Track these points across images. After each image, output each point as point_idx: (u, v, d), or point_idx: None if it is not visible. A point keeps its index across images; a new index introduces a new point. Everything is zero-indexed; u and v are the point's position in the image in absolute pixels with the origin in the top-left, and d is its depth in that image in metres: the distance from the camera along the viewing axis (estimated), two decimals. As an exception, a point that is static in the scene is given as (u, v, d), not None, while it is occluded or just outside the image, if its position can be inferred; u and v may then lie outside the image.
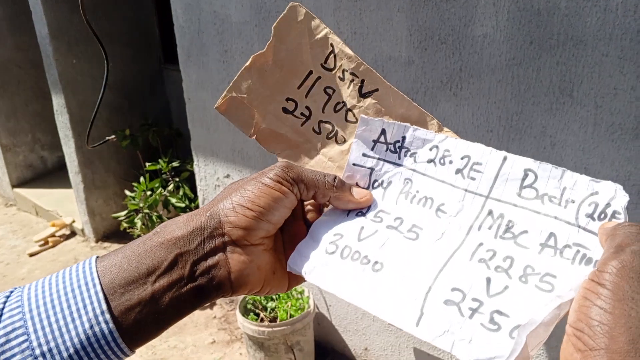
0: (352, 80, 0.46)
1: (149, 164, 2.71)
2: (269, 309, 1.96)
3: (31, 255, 3.04)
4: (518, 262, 0.37)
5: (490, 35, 1.24)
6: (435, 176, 0.43)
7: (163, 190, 2.63)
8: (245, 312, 1.96)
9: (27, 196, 3.58)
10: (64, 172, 3.19)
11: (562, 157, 1.24)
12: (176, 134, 3.02)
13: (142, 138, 2.87)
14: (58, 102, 2.79)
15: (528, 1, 1.16)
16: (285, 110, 0.47)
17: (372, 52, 1.46)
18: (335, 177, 0.43)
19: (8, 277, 2.84)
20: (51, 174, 3.87)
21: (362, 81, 0.45)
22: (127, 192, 2.72)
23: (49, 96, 2.87)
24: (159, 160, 2.71)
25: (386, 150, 0.45)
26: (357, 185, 0.46)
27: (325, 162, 0.47)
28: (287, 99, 0.47)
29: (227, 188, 0.42)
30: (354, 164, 0.45)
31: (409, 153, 0.44)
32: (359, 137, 0.46)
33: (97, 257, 0.37)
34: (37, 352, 0.33)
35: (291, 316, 1.89)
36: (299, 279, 0.45)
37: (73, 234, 3.25)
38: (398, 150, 0.45)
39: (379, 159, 0.45)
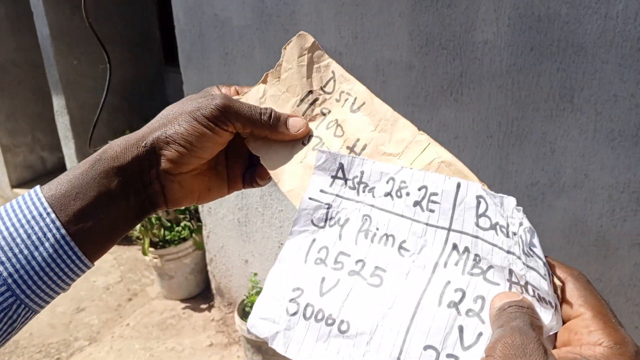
0: (346, 100, 0.48)
1: (149, 165, 2.71)
2: (267, 312, 1.95)
3: (29, 255, 3.04)
4: (489, 302, 0.34)
5: (491, 41, 1.25)
6: (393, 210, 0.40)
7: (162, 192, 2.62)
8: (243, 314, 1.95)
9: (26, 196, 3.57)
10: (64, 173, 3.18)
11: (562, 163, 1.24)
12: (176, 136, 3.01)
13: (142, 140, 2.87)
14: (58, 103, 2.79)
15: (529, 8, 1.17)
16: None
17: (373, 57, 1.47)
18: (271, 114, 0.45)
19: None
20: (51, 175, 3.86)
21: (355, 99, 0.48)
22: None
23: (49, 97, 2.87)
24: (159, 162, 2.70)
25: (345, 187, 0.43)
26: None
27: (305, 171, 0.47)
28: None
29: (163, 114, 0.44)
30: (310, 198, 0.43)
31: (367, 188, 0.42)
32: (317, 170, 0.44)
33: (40, 186, 0.41)
34: (10, 280, 0.37)
35: (289, 320, 1.89)
36: (238, 185, 0.49)
37: (72, 234, 3.24)
38: (357, 185, 0.42)
39: (337, 195, 0.43)
